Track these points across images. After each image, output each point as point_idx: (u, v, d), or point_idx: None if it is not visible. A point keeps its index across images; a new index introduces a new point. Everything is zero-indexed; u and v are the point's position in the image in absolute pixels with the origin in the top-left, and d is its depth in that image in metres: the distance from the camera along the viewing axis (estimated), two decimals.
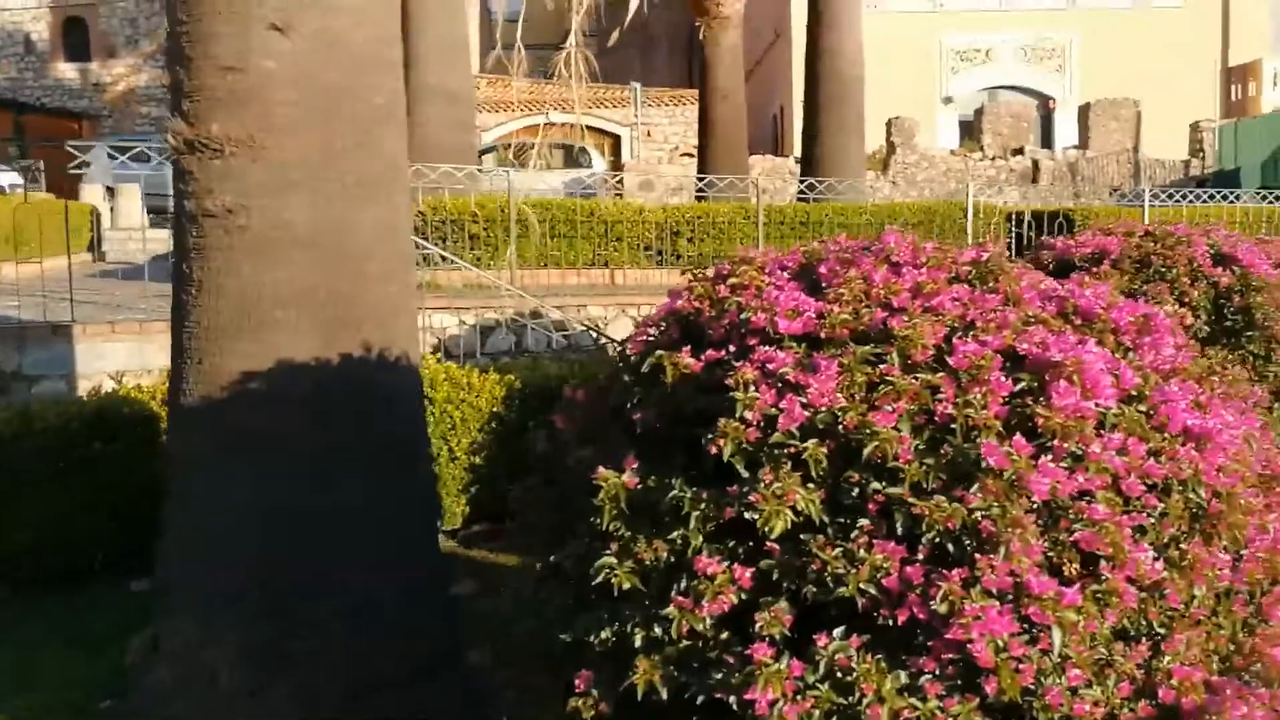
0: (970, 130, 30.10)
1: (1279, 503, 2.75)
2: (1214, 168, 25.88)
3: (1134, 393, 2.56)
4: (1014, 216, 14.53)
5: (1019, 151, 27.86)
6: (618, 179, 18.68)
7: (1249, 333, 4.97)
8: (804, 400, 2.45)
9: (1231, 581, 2.56)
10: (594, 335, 10.23)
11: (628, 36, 34.04)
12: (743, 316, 2.71)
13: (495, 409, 7.28)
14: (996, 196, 17.68)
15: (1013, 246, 13.58)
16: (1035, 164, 27.29)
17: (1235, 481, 2.55)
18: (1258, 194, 17.07)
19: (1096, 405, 2.44)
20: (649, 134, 30.41)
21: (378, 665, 4.45)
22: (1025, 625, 2.23)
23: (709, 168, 17.81)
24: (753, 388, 2.49)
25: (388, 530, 4.56)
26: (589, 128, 28.88)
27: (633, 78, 31.38)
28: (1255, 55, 32.53)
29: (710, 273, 3.04)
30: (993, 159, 27.57)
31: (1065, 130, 31.37)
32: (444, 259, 10.62)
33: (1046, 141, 31.12)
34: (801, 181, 16.09)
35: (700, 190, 15.22)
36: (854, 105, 16.59)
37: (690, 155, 25.04)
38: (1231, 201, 15.97)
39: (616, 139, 30.34)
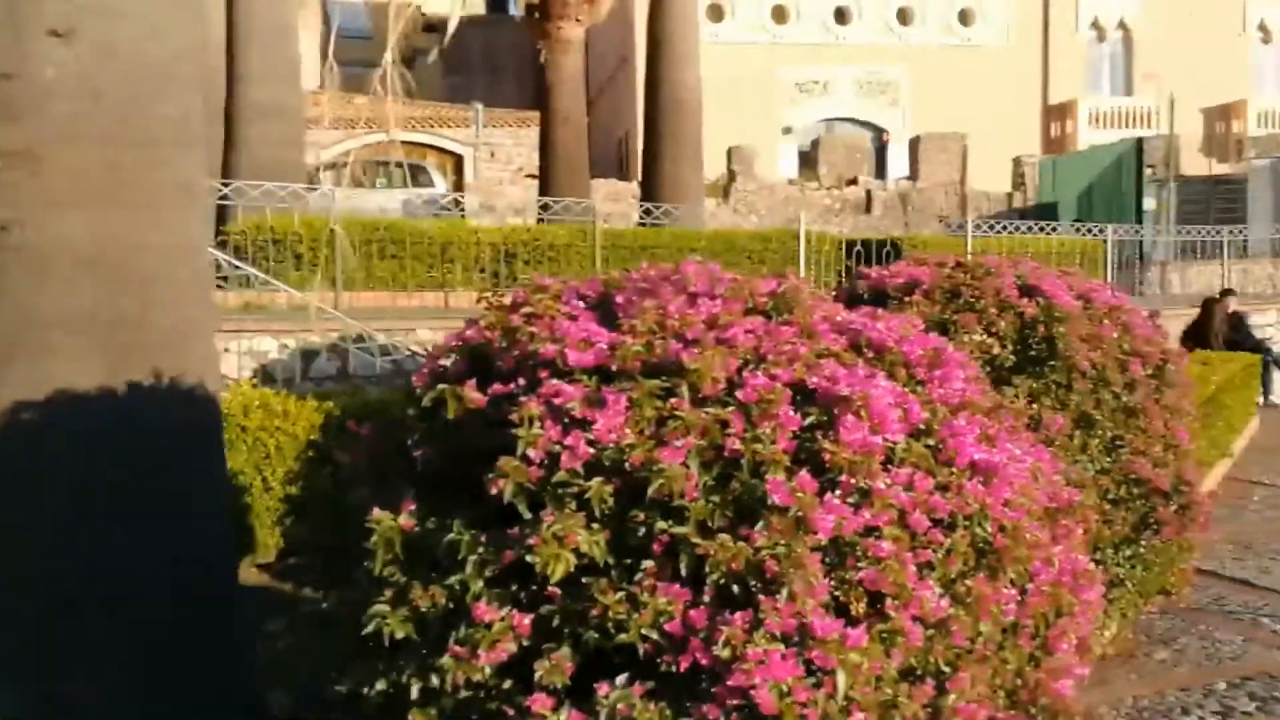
0: (808, 160, 30.89)
1: (1064, 535, 2.77)
2: (1035, 200, 27.18)
3: (922, 427, 2.54)
4: (846, 245, 14.91)
5: (853, 182, 28.71)
6: (452, 199, 18.42)
7: (1052, 362, 5.08)
8: (590, 437, 2.34)
9: (1017, 616, 2.55)
10: (422, 360, 9.99)
11: (474, 58, 33.78)
12: (532, 348, 2.59)
13: (313, 437, 7.00)
14: (830, 225, 18.12)
15: (844, 274, 13.91)
16: (869, 194, 28.17)
17: (1021, 515, 2.55)
18: (1073, 226, 17.97)
19: (884, 440, 2.41)
20: (493, 155, 30.22)
21: (169, 713, 4.17)
22: (810, 668, 2.17)
23: (551, 190, 17.76)
24: (536, 424, 2.37)
25: (181, 569, 4.28)
26: (431, 147, 28.55)
27: (479, 99, 31.17)
28: (1072, 95, 34.45)
29: (506, 300, 2.92)
30: (828, 189, 28.33)
31: (898, 162, 32.52)
32: (266, 281, 10.23)
33: (880, 173, 32.19)
34: (641, 207, 16.17)
35: (542, 213, 15.13)
36: (693, 133, 16.80)
37: (534, 177, 24.93)
38: (1049, 233, 16.75)
39: (459, 159, 30.04)
